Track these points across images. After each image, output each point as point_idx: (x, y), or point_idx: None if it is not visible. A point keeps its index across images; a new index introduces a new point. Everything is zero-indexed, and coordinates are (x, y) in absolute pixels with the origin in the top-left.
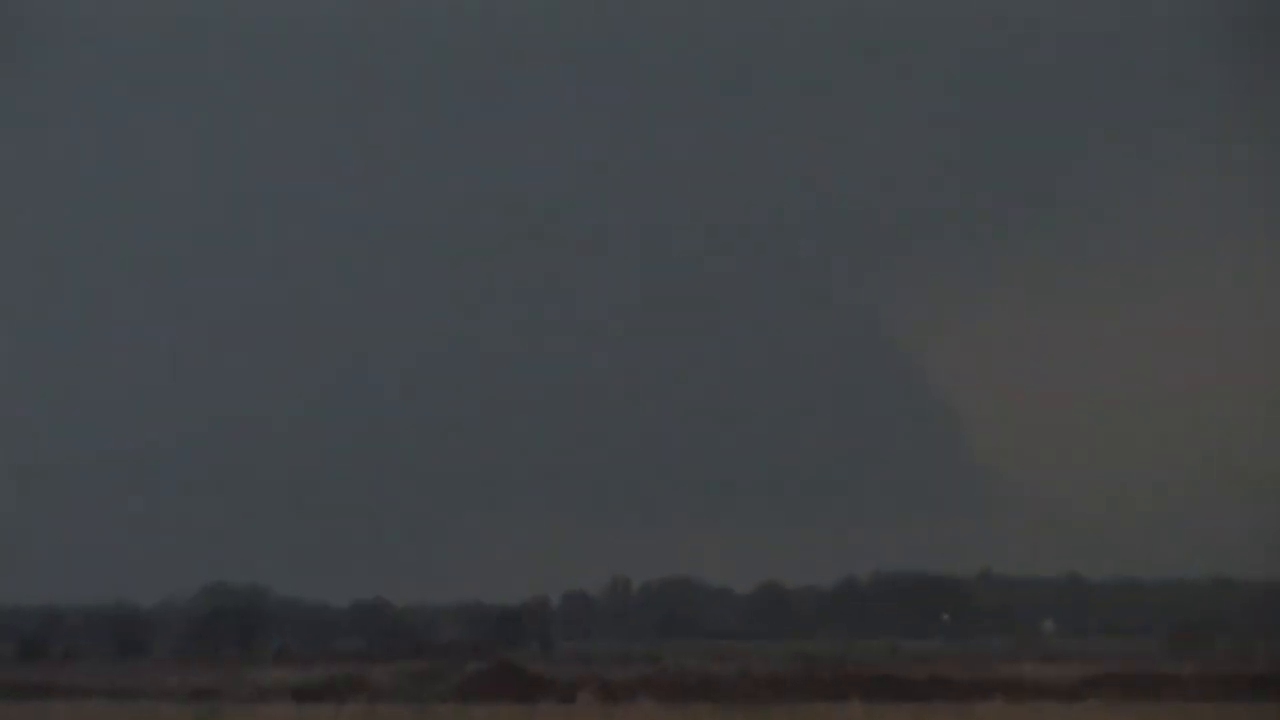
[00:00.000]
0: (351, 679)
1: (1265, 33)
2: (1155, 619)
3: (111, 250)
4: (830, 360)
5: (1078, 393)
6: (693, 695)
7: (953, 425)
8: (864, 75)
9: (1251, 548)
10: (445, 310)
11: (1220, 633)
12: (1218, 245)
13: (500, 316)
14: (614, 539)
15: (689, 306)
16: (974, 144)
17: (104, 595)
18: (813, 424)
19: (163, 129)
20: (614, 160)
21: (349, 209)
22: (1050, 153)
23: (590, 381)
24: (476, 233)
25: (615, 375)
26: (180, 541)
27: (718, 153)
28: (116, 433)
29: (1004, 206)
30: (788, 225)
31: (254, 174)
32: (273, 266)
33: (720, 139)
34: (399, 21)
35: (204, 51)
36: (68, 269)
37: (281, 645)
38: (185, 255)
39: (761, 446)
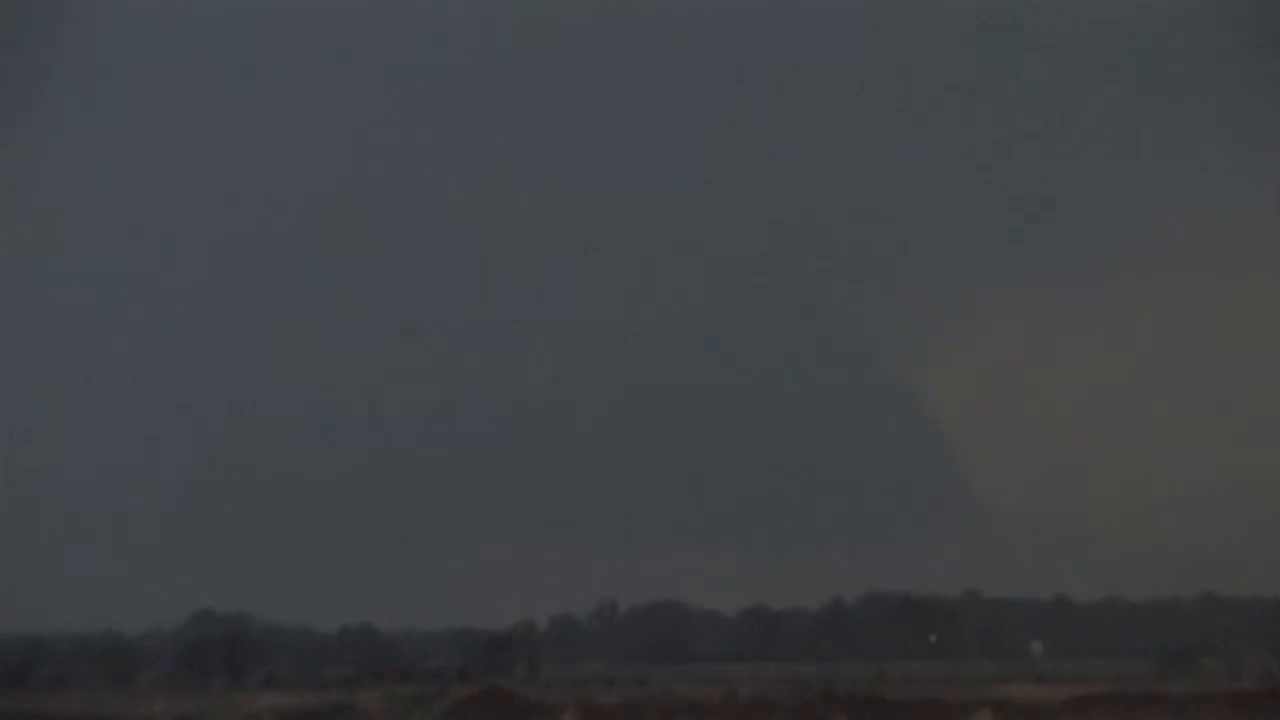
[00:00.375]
0: (339, 704)
1: (1267, 33)
2: (1143, 639)
3: (101, 276)
4: (817, 382)
5: (1064, 415)
6: (680, 718)
7: (940, 449)
8: (865, 76)
9: (1238, 566)
10: (428, 333)
11: (1208, 651)
12: (1214, 264)
13: (485, 336)
14: (601, 563)
15: (676, 329)
16: (973, 148)
17: (92, 623)
18: (801, 447)
19: (163, 131)
20: (610, 166)
21: (336, 214)
22: (1047, 161)
23: (577, 406)
24: (467, 250)
25: (602, 401)
26: (167, 570)
27: (715, 161)
28: (103, 463)
29: (994, 230)
30: (780, 247)
31: (248, 174)
32: (261, 298)
33: (718, 144)
34: (402, 20)
35: (208, 51)
36: (53, 298)
37: (270, 672)
38: (174, 279)
39: (749, 470)
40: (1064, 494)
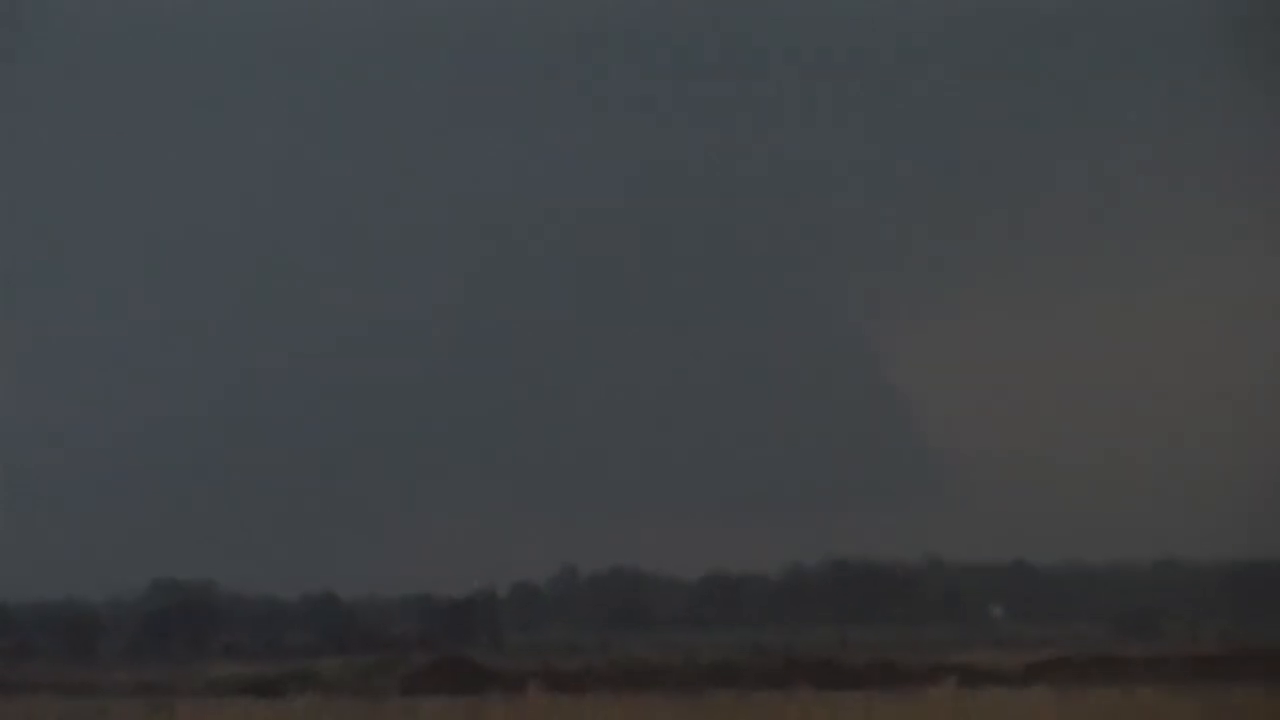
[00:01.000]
0: (301, 673)
1: (1262, 28)
2: (1103, 603)
3: (78, 253)
4: (777, 346)
5: (1024, 379)
6: (641, 685)
7: (900, 412)
8: (863, 72)
9: (1198, 529)
10: (390, 299)
11: (1168, 616)
12: (1174, 235)
13: (441, 306)
14: (560, 529)
15: (632, 295)
16: (956, 135)
17: (53, 592)
18: (759, 411)
19: (162, 125)
20: (609, 165)
21: (296, 208)
22: (1031, 143)
23: (534, 370)
24: (440, 231)
25: (559, 364)
26: (129, 537)
27: (715, 160)
28: (62, 429)
29: (954, 197)
30: (746, 216)
31: (246, 173)
32: (228, 261)
33: (717, 143)
34: (406, 19)
35: (205, 50)
36: (26, 272)
37: (232, 639)
38: (147, 255)
39: (708, 434)
40: (1023, 459)
